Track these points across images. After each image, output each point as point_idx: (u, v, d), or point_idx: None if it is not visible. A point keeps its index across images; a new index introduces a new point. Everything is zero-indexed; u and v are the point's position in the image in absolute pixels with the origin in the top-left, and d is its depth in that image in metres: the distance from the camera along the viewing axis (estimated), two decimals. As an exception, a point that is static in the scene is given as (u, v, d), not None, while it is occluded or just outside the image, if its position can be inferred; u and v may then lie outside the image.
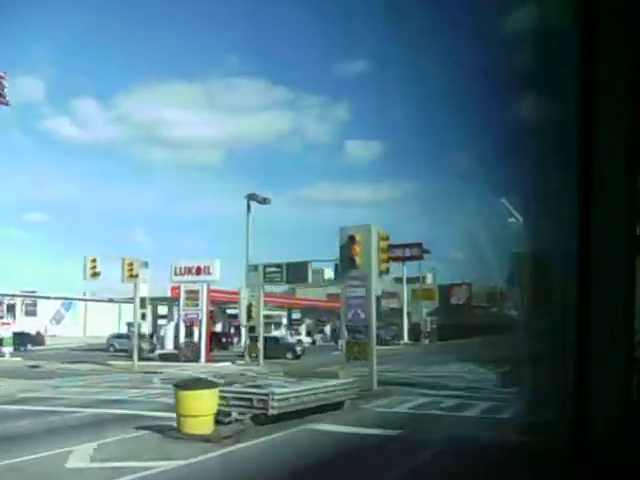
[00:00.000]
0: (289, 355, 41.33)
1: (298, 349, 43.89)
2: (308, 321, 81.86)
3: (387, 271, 25.26)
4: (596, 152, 2.44)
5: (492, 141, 3.01)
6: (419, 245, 79.29)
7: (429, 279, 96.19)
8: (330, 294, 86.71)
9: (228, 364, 36.21)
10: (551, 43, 2.52)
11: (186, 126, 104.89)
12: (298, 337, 64.95)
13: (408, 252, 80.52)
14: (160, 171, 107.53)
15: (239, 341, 52.63)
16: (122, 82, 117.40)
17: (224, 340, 52.20)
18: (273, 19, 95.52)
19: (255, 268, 36.54)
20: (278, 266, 35.88)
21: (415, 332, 75.50)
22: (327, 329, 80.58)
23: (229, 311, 62.10)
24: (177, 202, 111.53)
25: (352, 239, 23.31)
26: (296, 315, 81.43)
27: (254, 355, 36.12)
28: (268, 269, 36.19)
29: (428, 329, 76.84)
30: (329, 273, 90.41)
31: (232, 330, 60.46)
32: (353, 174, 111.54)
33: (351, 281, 23.88)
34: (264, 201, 40.54)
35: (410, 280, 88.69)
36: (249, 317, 37.45)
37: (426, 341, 73.03)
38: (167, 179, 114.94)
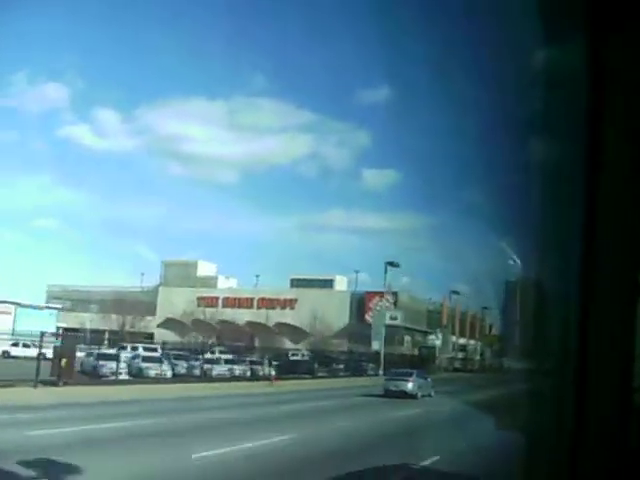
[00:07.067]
0: None
1: None
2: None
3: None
4: (601, 199, 2.54)
5: (501, 181, 3.16)
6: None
7: (341, 283, 74.53)
8: (202, 297, 72.80)
9: None
10: (560, 90, 2.66)
11: (204, 143, 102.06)
12: None
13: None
14: (173, 186, 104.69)
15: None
16: (145, 95, 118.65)
17: None
18: (302, 41, 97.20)
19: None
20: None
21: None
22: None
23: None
24: (186, 217, 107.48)
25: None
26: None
27: None
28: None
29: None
30: (209, 269, 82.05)
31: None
32: (367, 202, 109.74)
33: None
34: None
35: (312, 282, 72.24)
36: None
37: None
38: (179, 194, 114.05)
